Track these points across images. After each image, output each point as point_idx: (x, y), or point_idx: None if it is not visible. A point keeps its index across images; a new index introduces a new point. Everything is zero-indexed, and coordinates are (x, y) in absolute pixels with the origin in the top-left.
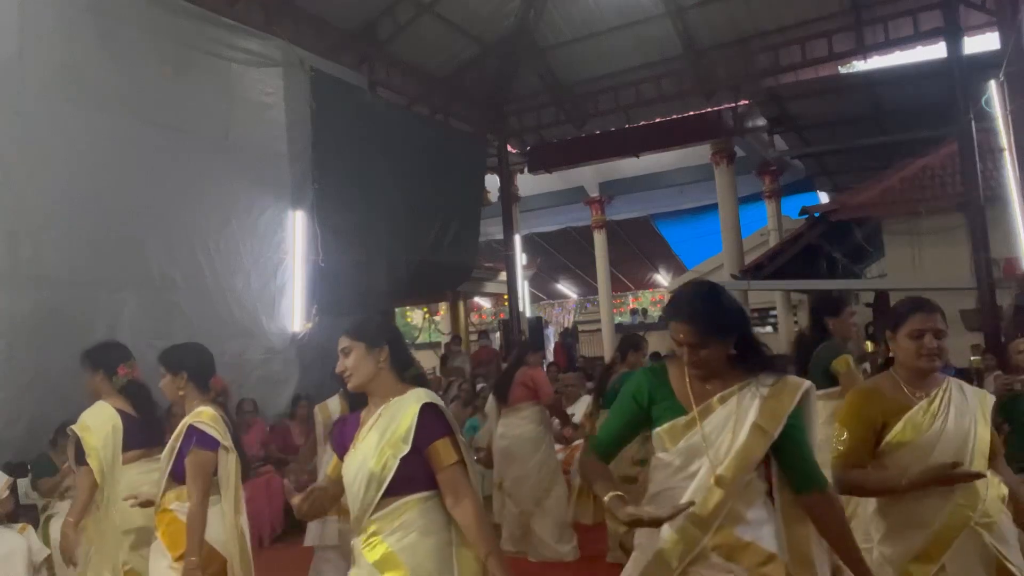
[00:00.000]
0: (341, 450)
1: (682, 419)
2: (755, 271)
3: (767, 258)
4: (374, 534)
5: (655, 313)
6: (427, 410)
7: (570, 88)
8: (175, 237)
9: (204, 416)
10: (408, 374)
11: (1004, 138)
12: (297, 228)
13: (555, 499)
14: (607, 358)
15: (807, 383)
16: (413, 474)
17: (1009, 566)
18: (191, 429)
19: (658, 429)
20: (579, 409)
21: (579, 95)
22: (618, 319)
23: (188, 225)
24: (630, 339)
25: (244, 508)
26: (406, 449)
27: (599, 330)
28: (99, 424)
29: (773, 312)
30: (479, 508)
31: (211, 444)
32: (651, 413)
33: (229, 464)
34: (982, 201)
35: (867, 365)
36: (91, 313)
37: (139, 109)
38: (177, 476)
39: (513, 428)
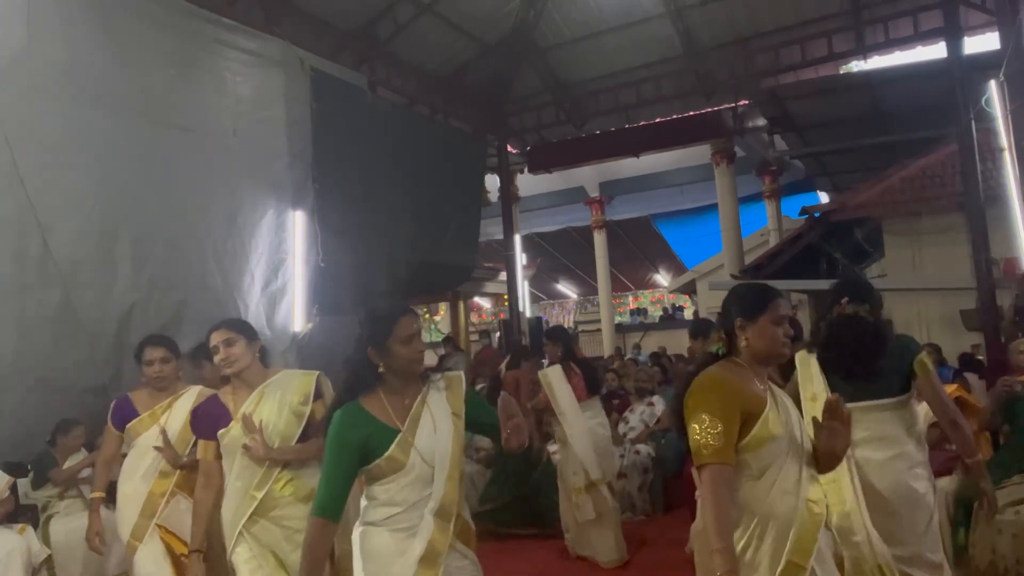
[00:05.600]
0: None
1: (396, 439)
2: (755, 271)
3: (767, 258)
4: (290, 480)
5: (655, 313)
6: (320, 379)
7: (570, 88)
8: (183, 236)
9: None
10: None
11: (1004, 138)
12: (297, 228)
13: None
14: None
15: (458, 373)
16: (308, 431)
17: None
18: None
19: (380, 459)
20: None
21: (579, 95)
22: (618, 319)
23: (196, 224)
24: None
25: None
26: (307, 410)
27: (599, 330)
28: None
29: None
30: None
31: None
32: (365, 449)
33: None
34: (982, 201)
35: None
36: (100, 313)
37: (142, 108)
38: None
39: None
